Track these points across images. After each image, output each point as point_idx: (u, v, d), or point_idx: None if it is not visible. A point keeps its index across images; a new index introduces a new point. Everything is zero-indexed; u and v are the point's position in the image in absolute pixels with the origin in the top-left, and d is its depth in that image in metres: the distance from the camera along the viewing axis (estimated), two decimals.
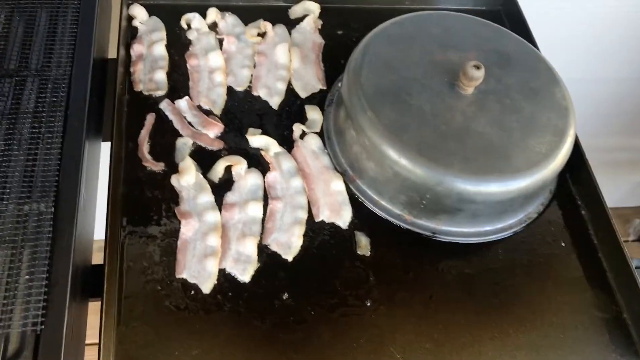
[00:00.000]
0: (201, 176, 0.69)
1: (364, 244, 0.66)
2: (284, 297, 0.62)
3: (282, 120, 0.75)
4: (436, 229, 0.68)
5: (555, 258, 0.69)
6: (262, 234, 0.66)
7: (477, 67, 0.66)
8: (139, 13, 0.81)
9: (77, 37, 0.69)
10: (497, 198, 0.65)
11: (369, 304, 0.63)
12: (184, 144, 0.71)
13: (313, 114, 0.76)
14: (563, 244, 0.70)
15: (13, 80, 0.65)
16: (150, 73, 0.76)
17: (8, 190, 0.57)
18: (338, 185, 0.70)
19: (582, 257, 0.70)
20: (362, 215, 0.69)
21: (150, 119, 0.73)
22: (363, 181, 0.70)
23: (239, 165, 0.69)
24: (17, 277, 0.53)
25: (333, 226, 0.68)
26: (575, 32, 1.20)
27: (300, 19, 0.85)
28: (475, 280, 0.66)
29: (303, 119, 0.76)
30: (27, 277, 0.53)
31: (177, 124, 0.73)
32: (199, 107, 0.75)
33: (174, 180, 0.68)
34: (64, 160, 0.60)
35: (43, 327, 0.50)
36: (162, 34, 0.80)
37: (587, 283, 0.68)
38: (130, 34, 0.81)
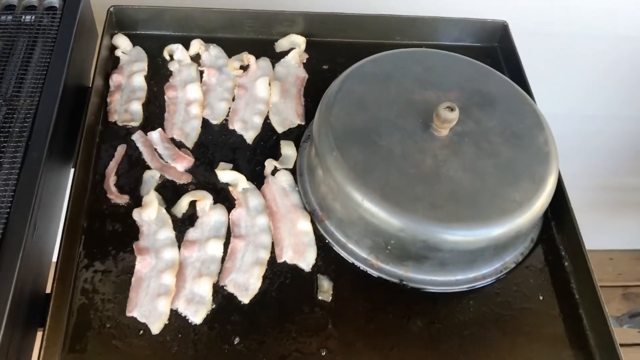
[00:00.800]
0: (164, 211, 0.67)
1: (325, 289, 0.64)
2: (235, 342, 0.60)
3: (256, 156, 0.74)
4: (403, 276, 0.65)
5: (531, 312, 0.65)
6: (220, 273, 0.64)
7: (451, 109, 0.63)
8: (122, 43, 0.81)
9: (49, 66, 0.69)
10: (464, 247, 0.61)
11: (324, 354, 0.60)
12: (151, 176, 0.70)
13: (287, 149, 0.74)
14: (541, 297, 0.66)
15: None
16: (127, 104, 0.76)
17: None
18: (304, 225, 0.67)
19: (561, 313, 0.65)
20: (328, 258, 0.66)
21: (120, 150, 0.72)
22: (331, 222, 0.67)
23: (204, 201, 0.68)
24: None
25: (295, 268, 0.65)
26: (573, 67, 1.17)
27: (286, 53, 0.84)
28: (442, 332, 0.63)
29: (277, 155, 0.74)
30: None
31: (146, 156, 0.72)
32: (172, 140, 0.74)
33: (136, 214, 0.66)
34: (18, 190, 0.59)
35: None
36: (144, 65, 0.80)
37: (565, 341, 0.64)
38: (111, 63, 0.80)
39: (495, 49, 0.90)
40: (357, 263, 0.66)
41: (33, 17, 0.74)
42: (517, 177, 0.64)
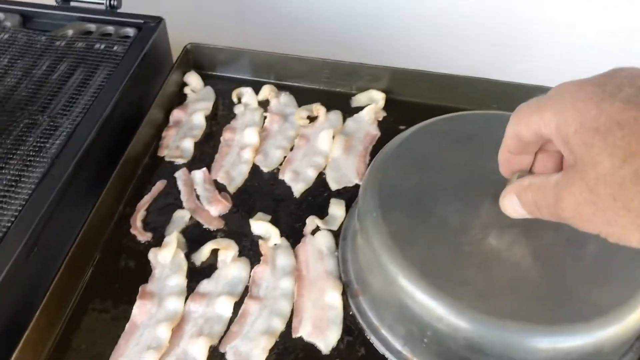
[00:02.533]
0: (182, 256, 0.60)
1: None
2: None
3: (300, 211, 0.65)
4: None
5: None
6: (223, 337, 0.54)
7: None
8: (194, 81, 0.78)
9: (101, 90, 0.67)
10: (518, 356, 0.46)
11: None
12: (181, 217, 0.64)
13: (336, 209, 0.64)
14: None
15: (25, 122, 0.64)
16: (180, 140, 0.71)
17: None
18: (333, 297, 0.56)
19: None
20: (353, 343, 0.54)
21: (159, 185, 0.67)
22: (365, 298, 0.56)
23: (228, 251, 0.60)
24: None
25: (311, 348, 0.54)
26: None
27: (362, 109, 0.76)
28: None
29: (324, 214, 0.64)
30: None
31: (183, 195, 0.66)
32: (215, 182, 0.67)
33: (152, 254, 0.60)
34: (27, 204, 0.55)
35: None
36: (208, 104, 0.76)
37: None
38: (177, 100, 0.77)
39: None
40: (387, 354, 0.53)
41: (104, 45, 0.73)
42: (605, 277, 0.49)
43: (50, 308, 0.54)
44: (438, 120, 0.62)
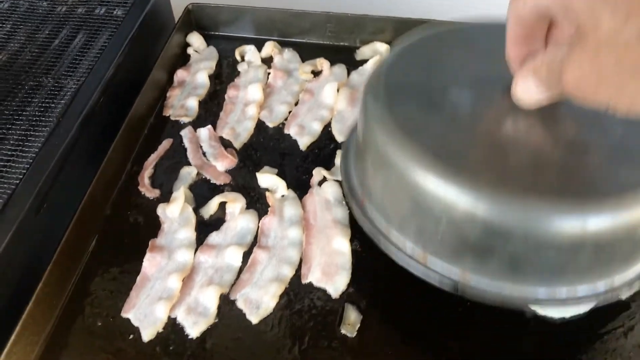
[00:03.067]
0: (190, 210, 0.60)
1: (352, 321, 0.52)
2: None
3: (306, 164, 0.65)
4: (459, 279, 0.46)
5: None
6: (233, 285, 0.55)
7: None
8: (196, 42, 0.78)
9: (103, 51, 0.67)
10: (545, 239, 0.42)
11: None
12: (188, 173, 0.64)
13: None
14: None
15: (29, 84, 0.64)
16: (185, 99, 0.71)
17: None
18: (341, 244, 0.56)
19: None
20: (361, 285, 0.54)
21: (165, 144, 0.67)
22: (371, 204, 0.52)
23: (235, 204, 0.60)
24: None
25: (321, 292, 0.54)
26: None
27: (366, 61, 0.75)
28: None
29: (331, 166, 0.64)
30: None
31: (190, 152, 0.66)
32: (221, 139, 0.67)
33: (160, 209, 0.60)
34: (35, 162, 0.56)
35: None
36: (212, 64, 0.76)
37: None
38: (181, 61, 0.77)
39: None
40: (400, 258, 0.49)
41: (104, 9, 0.73)
42: (632, 157, 0.45)
43: (62, 262, 0.54)
44: (445, 28, 0.58)
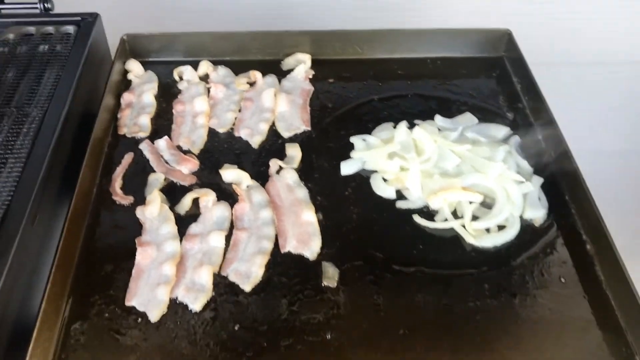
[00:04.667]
0: (167, 208, 0.67)
1: (331, 274, 0.61)
2: (235, 328, 0.57)
3: (261, 158, 0.74)
4: None
5: (554, 295, 0.61)
6: (221, 264, 0.62)
7: None
8: (134, 67, 0.85)
9: (59, 80, 0.72)
10: None
11: (329, 337, 0.56)
12: (156, 179, 0.70)
13: (292, 150, 0.74)
14: (563, 280, 0.62)
15: None
16: (136, 118, 0.78)
17: None
18: (309, 216, 0.66)
19: (586, 295, 0.61)
20: (333, 246, 0.64)
21: (127, 157, 0.73)
22: None
23: (207, 197, 0.67)
24: None
25: (299, 257, 0.63)
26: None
27: (292, 70, 0.86)
28: (455, 314, 0.59)
29: (282, 157, 0.74)
30: None
31: (152, 162, 0.72)
32: (178, 147, 0.75)
33: (139, 211, 0.66)
34: (21, 181, 0.60)
35: None
36: (154, 85, 0.83)
37: (593, 325, 0.59)
38: (123, 86, 0.83)
39: (502, 59, 0.90)
40: None
41: (47, 47, 0.78)
42: None
43: (62, 265, 0.59)
44: None
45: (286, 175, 0.70)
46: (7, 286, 0.53)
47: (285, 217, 0.66)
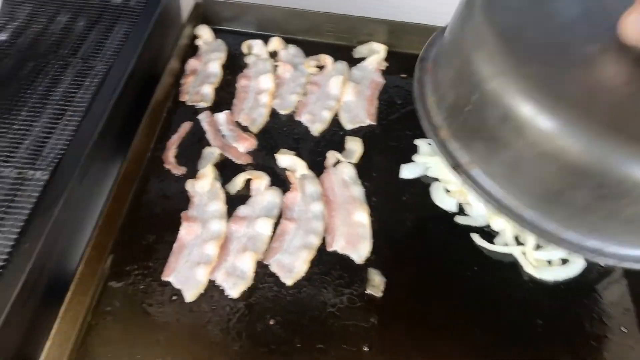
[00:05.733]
0: (218, 185, 0.65)
1: (376, 283, 0.58)
2: (271, 322, 0.55)
3: (319, 147, 0.71)
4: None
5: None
6: (265, 252, 0.60)
7: None
8: (204, 34, 0.82)
9: (127, 37, 0.70)
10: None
11: (366, 349, 0.54)
12: (211, 153, 0.68)
13: (353, 144, 0.70)
14: (624, 330, 0.57)
15: (59, 63, 0.67)
16: (199, 86, 0.76)
17: (14, 156, 0.57)
18: (361, 216, 0.63)
19: None
20: (382, 253, 0.61)
21: (185, 126, 0.71)
22: (469, 148, 0.50)
23: (260, 180, 0.65)
24: None
25: (346, 259, 0.60)
26: None
27: (364, 59, 0.82)
28: (502, 345, 0.55)
29: (341, 150, 0.70)
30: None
31: (210, 135, 0.70)
32: (237, 123, 0.72)
33: (189, 184, 0.64)
34: (76, 135, 0.59)
35: None
36: (222, 55, 0.80)
37: None
38: (190, 51, 0.81)
39: None
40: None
41: (120, 0, 0.76)
42: None
43: (104, 229, 0.58)
44: None
45: (343, 170, 0.67)
46: (50, 240, 0.52)
47: (336, 214, 0.63)
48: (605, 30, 0.44)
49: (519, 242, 0.62)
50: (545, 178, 0.44)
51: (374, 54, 0.82)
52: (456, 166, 0.50)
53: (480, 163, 0.49)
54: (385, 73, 0.81)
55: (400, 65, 0.82)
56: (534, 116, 0.42)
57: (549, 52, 0.45)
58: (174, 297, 0.56)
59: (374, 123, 0.74)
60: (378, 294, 0.57)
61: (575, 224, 0.46)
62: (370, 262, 0.60)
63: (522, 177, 0.46)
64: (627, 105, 0.42)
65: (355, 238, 0.61)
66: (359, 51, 0.84)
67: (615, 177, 0.41)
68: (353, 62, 0.82)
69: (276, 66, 0.80)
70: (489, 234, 0.63)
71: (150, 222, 0.62)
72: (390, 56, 0.83)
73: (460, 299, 0.58)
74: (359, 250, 0.60)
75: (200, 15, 0.84)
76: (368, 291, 0.57)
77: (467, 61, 0.48)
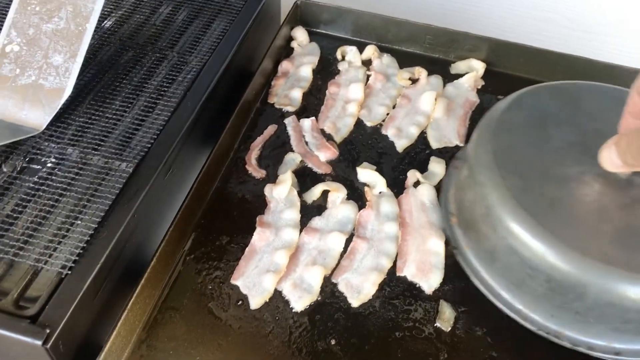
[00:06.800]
0: (295, 193, 0.64)
1: (446, 317, 0.56)
2: (332, 343, 0.54)
3: (402, 165, 0.69)
4: (530, 318, 0.54)
5: None
6: (334, 269, 0.59)
7: None
8: (300, 35, 0.82)
9: (224, 35, 0.71)
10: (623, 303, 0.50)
11: None
12: (292, 159, 0.68)
13: (436, 166, 0.68)
14: None
15: (156, 55, 0.68)
16: (289, 90, 0.75)
17: (103, 146, 0.58)
18: (437, 245, 0.60)
19: None
20: (455, 286, 0.58)
21: (270, 129, 0.71)
22: (465, 234, 0.60)
23: (337, 193, 0.64)
24: (72, 220, 0.52)
25: (415, 287, 0.58)
26: None
27: (460, 76, 0.79)
28: None
29: (424, 170, 0.68)
30: (79, 222, 0.52)
31: (293, 140, 0.70)
32: (322, 131, 0.71)
33: (267, 189, 0.64)
34: (164, 130, 0.60)
35: (70, 272, 0.48)
36: (314, 59, 0.80)
37: None
38: (284, 52, 0.81)
39: None
40: (493, 299, 0.56)
41: None
42: None
43: (181, 226, 0.58)
44: (543, 85, 0.65)
45: (423, 192, 0.65)
46: (127, 232, 0.53)
47: (410, 238, 0.61)
48: (591, 157, 0.54)
49: None
50: (513, 267, 0.54)
51: (472, 72, 0.79)
52: (455, 247, 0.60)
53: (472, 248, 0.59)
54: (480, 92, 0.78)
55: (498, 85, 0.78)
56: (504, 217, 0.53)
57: (531, 169, 0.56)
58: (240, 302, 0.56)
59: (462, 144, 0.71)
60: (447, 328, 0.55)
61: (538, 309, 0.54)
62: (440, 293, 0.57)
63: (497, 264, 0.56)
64: (577, 219, 0.52)
65: (427, 266, 0.59)
66: (457, 67, 0.80)
67: (558, 274, 0.51)
68: (449, 77, 0.79)
69: (368, 75, 0.78)
70: None
71: (226, 223, 0.62)
72: (489, 75, 0.79)
73: (535, 340, 0.54)
74: (430, 279, 0.58)
75: (298, 17, 0.84)
76: (437, 324, 0.55)
77: (469, 169, 0.60)
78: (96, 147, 0.58)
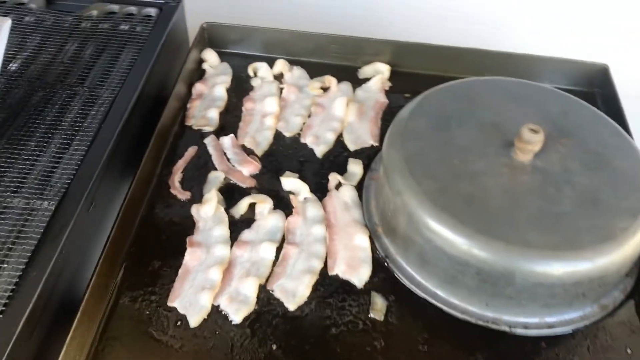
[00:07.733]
0: (222, 210, 0.66)
1: (379, 307, 0.58)
2: (273, 348, 0.55)
3: (323, 169, 0.71)
4: (467, 310, 0.58)
5: None
6: (269, 277, 0.61)
7: (535, 131, 0.58)
8: (210, 57, 0.84)
9: (134, 65, 0.72)
10: (538, 280, 0.54)
11: None
12: (216, 177, 0.69)
13: (354, 167, 0.71)
14: (629, 351, 0.57)
15: (67, 92, 0.68)
16: (205, 110, 0.77)
17: (23, 186, 0.58)
18: (362, 240, 0.63)
19: None
20: (383, 277, 0.61)
21: (191, 150, 0.72)
22: (393, 242, 0.63)
23: (264, 204, 0.66)
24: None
25: (347, 283, 0.61)
26: None
27: (368, 80, 0.83)
28: None
29: (344, 172, 0.71)
30: (5, 265, 0.52)
31: (215, 159, 0.71)
32: (243, 147, 0.73)
33: (194, 209, 0.65)
34: (83, 164, 0.60)
35: (1, 315, 0.48)
36: (227, 78, 0.82)
37: None
38: (197, 75, 0.83)
39: (594, 94, 0.84)
40: (415, 289, 0.60)
41: (128, 26, 0.78)
42: (609, 210, 0.56)
43: (110, 256, 0.59)
44: (444, 86, 0.70)
45: (345, 193, 0.68)
46: (57, 269, 0.53)
47: (337, 237, 0.64)
48: (495, 149, 0.61)
49: None
50: (443, 266, 0.57)
51: (378, 74, 0.83)
52: (386, 257, 0.63)
53: (401, 254, 0.62)
54: (389, 93, 0.82)
55: (403, 85, 0.83)
56: (426, 221, 0.56)
57: (443, 171, 0.59)
58: (179, 323, 0.57)
59: (377, 144, 0.74)
60: (381, 317, 0.58)
61: (474, 301, 0.58)
62: (372, 284, 0.60)
63: (428, 266, 0.59)
64: (493, 210, 0.56)
65: (356, 262, 0.62)
66: (364, 72, 0.84)
67: (486, 266, 0.54)
68: (358, 82, 0.83)
69: (281, 89, 0.81)
70: None
71: (156, 247, 0.63)
72: (395, 76, 0.83)
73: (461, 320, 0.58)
74: (360, 274, 0.61)
75: (206, 39, 0.85)
76: (371, 315, 0.58)
77: (386, 177, 0.62)
78: (15, 189, 0.58)
